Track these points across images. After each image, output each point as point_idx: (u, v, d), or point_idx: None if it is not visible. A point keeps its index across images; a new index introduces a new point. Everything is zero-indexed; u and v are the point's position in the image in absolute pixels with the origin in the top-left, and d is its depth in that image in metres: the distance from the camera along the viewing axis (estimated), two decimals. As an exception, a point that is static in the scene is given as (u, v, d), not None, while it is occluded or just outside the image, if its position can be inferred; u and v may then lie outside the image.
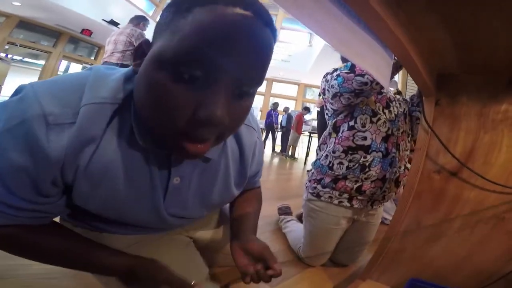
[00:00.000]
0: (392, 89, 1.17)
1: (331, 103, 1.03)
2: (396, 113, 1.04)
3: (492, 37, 0.56)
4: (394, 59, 0.64)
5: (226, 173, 0.57)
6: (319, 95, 2.98)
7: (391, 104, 1.05)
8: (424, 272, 0.82)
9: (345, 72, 0.93)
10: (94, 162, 0.41)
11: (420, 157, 0.85)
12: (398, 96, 1.12)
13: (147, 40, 0.39)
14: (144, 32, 2.81)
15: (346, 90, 0.94)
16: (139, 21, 2.83)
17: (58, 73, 6.01)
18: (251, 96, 0.39)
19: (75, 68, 6.38)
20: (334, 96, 0.99)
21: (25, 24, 5.52)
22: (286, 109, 6.70)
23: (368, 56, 0.46)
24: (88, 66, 5.92)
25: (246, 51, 0.33)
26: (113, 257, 0.49)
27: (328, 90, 1.01)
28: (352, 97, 0.95)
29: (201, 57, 0.32)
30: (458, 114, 0.81)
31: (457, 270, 0.78)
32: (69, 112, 0.38)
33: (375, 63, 0.48)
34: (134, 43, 2.65)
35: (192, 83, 0.34)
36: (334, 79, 0.97)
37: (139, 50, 0.40)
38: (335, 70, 0.98)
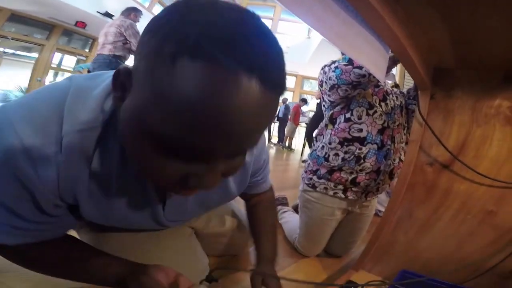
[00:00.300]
0: (389, 82, 1.18)
1: (328, 95, 1.04)
2: (392, 106, 1.06)
3: (488, 34, 0.57)
4: (392, 52, 0.65)
5: None
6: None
7: (387, 97, 1.06)
8: (415, 263, 0.84)
9: (343, 64, 0.94)
10: (90, 187, 0.40)
11: (413, 149, 0.86)
12: (395, 89, 1.13)
13: (127, 70, 0.31)
14: (135, 23, 2.81)
15: (343, 82, 0.95)
16: (130, 12, 2.82)
17: (52, 65, 5.92)
18: (245, 154, 0.36)
19: (69, 60, 6.29)
20: (332, 88, 1.00)
21: (17, 17, 5.42)
22: (284, 100, 6.72)
23: (365, 50, 0.46)
24: (83, 58, 5.79)
25: (245, 129, 0.28)
26: (110, 269, 0.48)
27: (325, 82, 1.02)
28: (349, 89, 0.96)
29: (191, 140, 0.27)
30: (452, 108, 0.83)
31: (446, 263, 0.80)
32: (51, 141, 0.35)
33: (372, 56, 0.49)
34: (124, 33, 2.66)
35: (180, 157, 0.30)
36: (332, 71, 0.98)
37: (118, 80, 0.32)
38: (333, 62, 0.99)
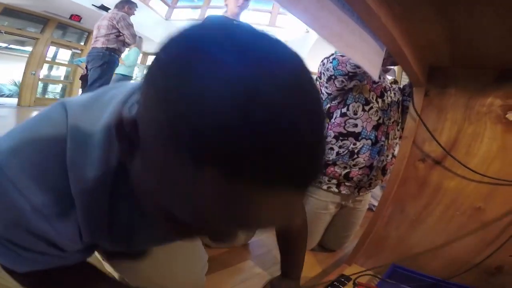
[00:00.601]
0: (389, 78, 1.19)
1: (326, 87, 1.06)
2: (389, 102, 1.07)
3: (483, 33, 0.58)
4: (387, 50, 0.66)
5: None
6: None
7: (385, 94, 1.07)
8: (406, 258, 0.86)
9: (340, 55, 0.95)
10: (110, 233, 0.38)
11: (407, 145, 0.88)
12: (394, 86, 1.14)
13: (131, 122, 0.25)
14: (130, 15, 2.81)
15: (340, 73, 0.96)
16: (124, 4, 2.82)
17: (46, 59, 5.85)
18: None
19: (64, 54, 6.21)
20: (329, 79, 1.01)
21: (10, 11, 5.32)
22: None
23: (359, 48, 0.47)
24: (78, 51, 5.66)
25: (272, 225, 0.26)
26: None
27: (323, 73, 1.03)
28: (345, 80, 0.97)
29: (218, 229, 0.27)
30: (446, 105, 0.84)
31: (435, 258, 0.82)
32: (62, 197, 0.31)
33: (366, 54, 0.50)
34: (117, 26, 2.67)
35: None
36: (330, 62, 0.99)
37: (122, 132, 0.26)
38: (332, 54, 1.01)
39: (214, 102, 0.18)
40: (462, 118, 0.81)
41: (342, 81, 0.98)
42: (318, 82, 1.12)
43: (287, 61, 0.22)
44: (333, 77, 0.99)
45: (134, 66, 4.04)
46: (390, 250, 0.89)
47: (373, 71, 0.54)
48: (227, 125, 0.18)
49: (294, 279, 0.70)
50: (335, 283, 0.79)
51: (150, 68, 0.24)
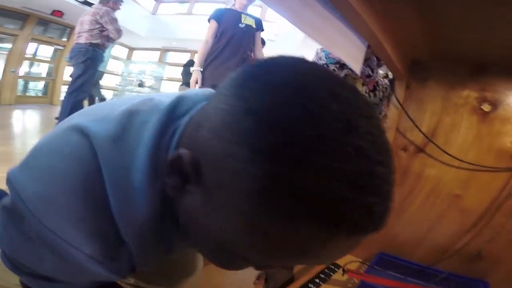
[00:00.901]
0: (381, 72, 1.22)
1: None
2: (381, 97, 1.10)
3: (458, 28, 0.61)
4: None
5: None
6: None
7: (377, 88, 1.10)
8: (392, 246, 0.89)
9: None
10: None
11: (389, 135, 0.92)
12: (385, 80, 1.17)
13: (193, 159, 0.25)
14: (115, 10, 2.77)
15: (332, 62, 1.00)
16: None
17: (26, 56, 5.66)
18: None
19: (45, 50, 6.02)
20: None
21: (-15, 8, 5.11)
22: None
23: (341, 43, 0.49)
24: (60, 47, 5.46)
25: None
26: None
27: (317, 62, 1.06)
28: (337, 69, 1.01)
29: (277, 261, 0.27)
30: (425, 97, 0.88)
31: (418, 245, 0.86)
32: (110, 239, 0.29)
33: (348, 49, 0.52)
34: (100, 21, 2.63)
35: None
36: (322, 51, 1.02)
37: (177, 166, 0.26)
38: None
39: (324, 167, 0.19)
40: (441, 109, 0.85)
41: (334, 70, 1.02)
42: None
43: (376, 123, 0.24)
44: (325, 65, 1.02)
45: (107, 61, 4.04)
46: (377, 238, 0.92)
47: (355, 65, 0.56)
48: (334, 189, 0.19)
49: (288, 267, 0.72)
50: (325, 270, 0.82)
51: (222, 105, 0.23)
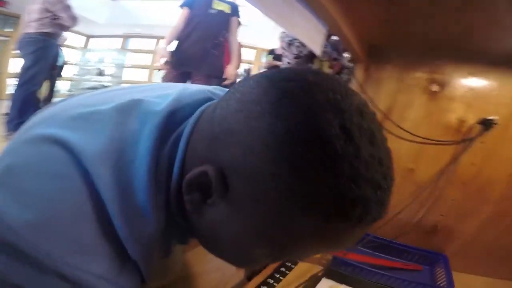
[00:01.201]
0: (346, 55, 1.27)
1: (287, 56, 1.13)
2: (346, 80, 1.16)
3: (412, 16, 0.66)
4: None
5: None
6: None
7: (342, 71, 1.16)
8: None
9: None
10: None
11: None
12: (351, 64, 1.23)
13: (219, 173, 0.26)
14: None
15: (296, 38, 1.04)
16: None
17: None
18: None
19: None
20: (288, 45, 1.08)
21: None
22: (247, 71, 6.78)
23: (303, 26, 0.53)
24: (6, 38, 4.99)
25: None
26: None
27: (284, 40, 1.10)
28: (301, 45, 1.05)
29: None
30: (382, 79, 0.95)
31: (384, 220, 0.94)
32: (116, 256, 0.28)
33: (309, 33, 0.55)
34: (51, 9, 2.45)
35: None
36: None
37: (200, 182, 0.27)
38: None
39: (354, 174, 0.23)
40: (396, 89, 0.92)
41: (298, 46, 1.06)
42: (283, 51, 1.18)
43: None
44: (290, 42, 1.06)
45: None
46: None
47: (315, 47, 0.60)
48: (364, 193, 0.23)
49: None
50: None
51: (253, 121, 0.25)
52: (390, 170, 0.27)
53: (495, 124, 0.81)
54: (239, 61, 1.98)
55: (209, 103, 0.35)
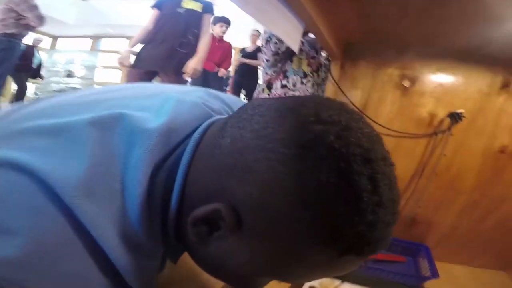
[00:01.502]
0: (324, 54, 1.30)
1: (265, 53, 1.13)
2: (323, 77, 1.19)
3: (385, 16, 0.68)
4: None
5: None
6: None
7: (320, 69, 1.18)
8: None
9: None
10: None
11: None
12: (328, 62, 1.25)
13: (232, 210, 0.25)
14: None
15: (274, 35, 1.05)
16: None
17: None
18: None
19: None
20: (266, 42, 1.09)
21: None
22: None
23: (281, 23, 0.53)
24: None
25: None
26: None
27: (263, 37, 1.10)
28: (279, 42, 1.05)
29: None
30: (357, 76, 0.97)
31: None
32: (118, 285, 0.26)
33: (287, 30, 0.56)
34: (15, 9, 2.36)
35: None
36: None
37: (210, 218, 0.26)
38: None
39: (370, 211, 0.24)
40: (370, 86, 0.95)
41: (276, 43, 1.06)
42: (263, 48, 1.18)
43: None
44: (268, 39, 1.07)
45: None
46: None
47: (293, 45, 0.60)
48: (378, 235, 0.25)
49: None
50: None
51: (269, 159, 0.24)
52: (398, 206, 0.29)
53: (463, 117, 0.86)
54: (204, 57, 1.95)
55: (208, 121, 0.32)
